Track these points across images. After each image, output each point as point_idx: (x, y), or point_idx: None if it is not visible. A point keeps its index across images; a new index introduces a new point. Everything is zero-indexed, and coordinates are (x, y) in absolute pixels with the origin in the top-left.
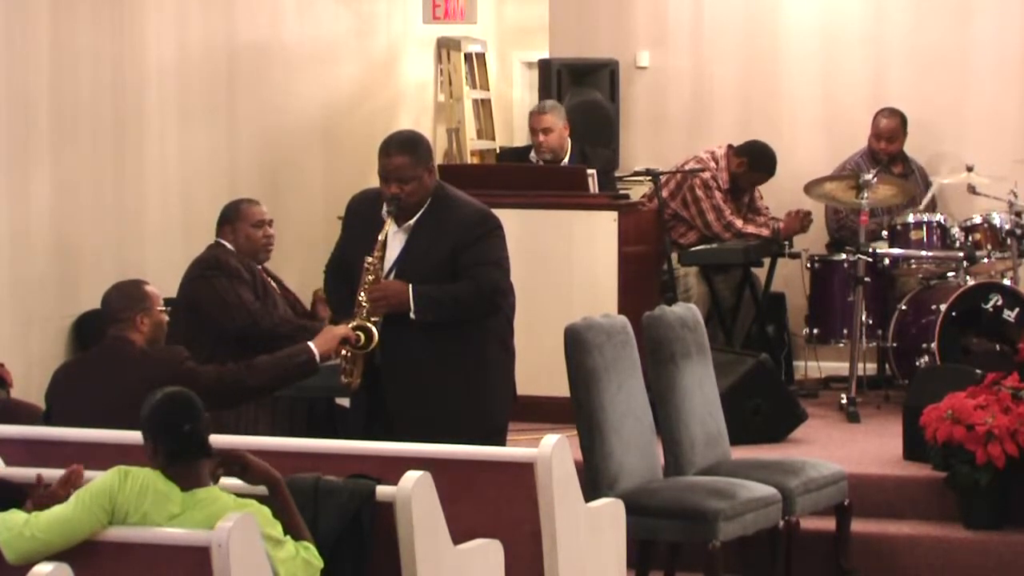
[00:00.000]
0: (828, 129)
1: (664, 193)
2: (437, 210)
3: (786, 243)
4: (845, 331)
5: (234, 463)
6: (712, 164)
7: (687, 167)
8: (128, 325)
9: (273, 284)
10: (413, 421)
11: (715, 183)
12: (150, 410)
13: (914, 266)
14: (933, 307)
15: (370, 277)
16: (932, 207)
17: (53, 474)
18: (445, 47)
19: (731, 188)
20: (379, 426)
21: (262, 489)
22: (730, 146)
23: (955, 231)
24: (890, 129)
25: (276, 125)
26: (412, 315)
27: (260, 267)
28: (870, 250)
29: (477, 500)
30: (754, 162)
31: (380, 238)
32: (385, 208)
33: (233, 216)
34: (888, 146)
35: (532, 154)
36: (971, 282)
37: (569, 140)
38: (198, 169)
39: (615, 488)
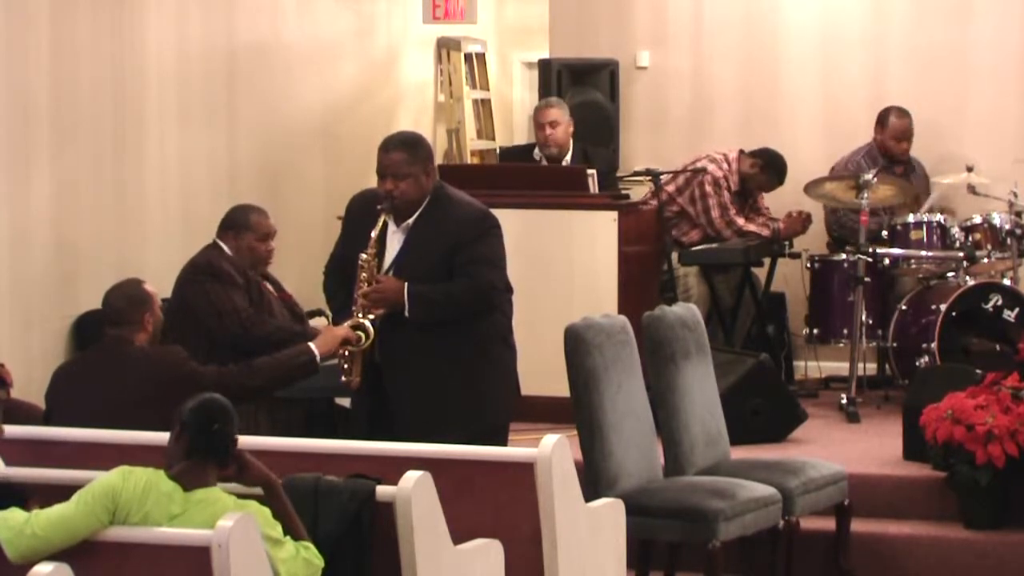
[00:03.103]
0: (828, 129)
1: (671, 188)
2: (435, 209)
3: (786, 243)
4: (845, 331)
5: (232, 461)
6: (724, 165)
7: (698, 164)
8: (136, 326)
9: (270, 288)
10: (414, 419)
11: (726, 183)
12: (193, 403)
13: (914, 266)
14: (933, 307)
15: (364, 274)
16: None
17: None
18: (445, 47)
19: (740, 191)
20: (380, 426)
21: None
22: (741, 151)
23: (955, 231)
24: (905, 129)
25: (276, 125)
26: (407, 314)
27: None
28: (870, 250)
29: (477, 500)
30: (768, 165)
31: (373, 235)
32: (380, 204)
33: (241, 224)
34: (907, 146)
35: (536, 151)
36: (971, 282)
37: (572, 139)
38: (198, 169)
39: (615, 488)
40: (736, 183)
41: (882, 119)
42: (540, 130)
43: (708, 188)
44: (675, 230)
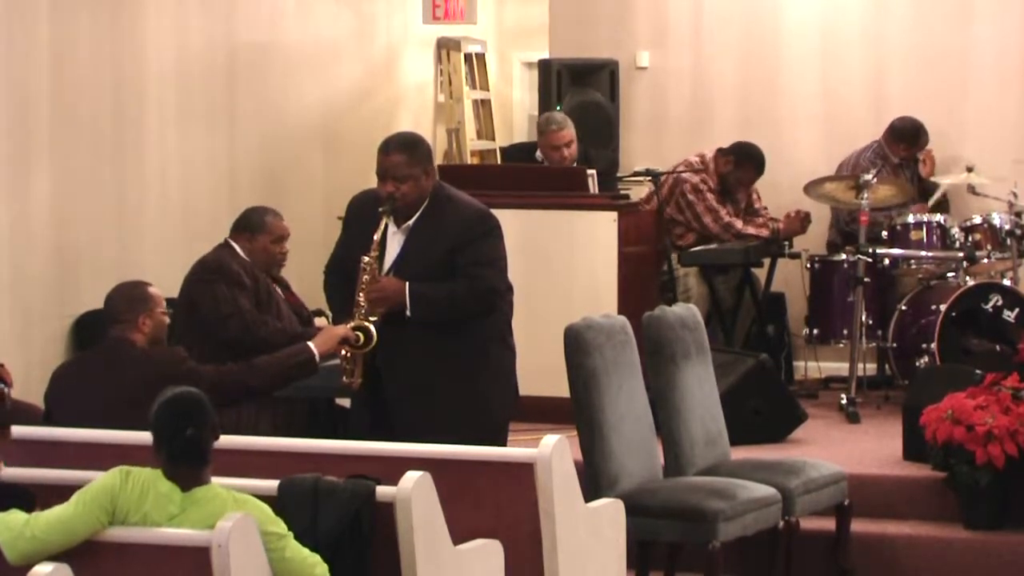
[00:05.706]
0: (828, 128)
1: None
2: (436, 210)
3: (786, 243)
4: (845, 331)
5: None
6: (700, 166)
7: (678, 172)
8: (131, 326)
9: (278, 290)
10: (413, 420)
11: (705, 186)
12: (158, 407)
13: (914, 266)
14: (933, 307)
15: (366, 276)
16: (944, 207)
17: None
18: (445, 47)
19: (721, 189)
20: (380, 426)
21: (261, 487)
22: (719, 149)
23: (955, 231)
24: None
25: (276, 125)
26: (408, 313)
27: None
28: (870, 250)
29: (477, 500)
30: (739, 159)
31: (376, 237)
32: (381, 206)
33: (257, 226)
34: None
35: (538, 153)
36: (971, 282)
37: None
38: (198, 169)
39: (615, 488)
40: (716, 183)
41: (910, 135)
42: (555, 151)
43: (690, 196)
44: (670, 234)
